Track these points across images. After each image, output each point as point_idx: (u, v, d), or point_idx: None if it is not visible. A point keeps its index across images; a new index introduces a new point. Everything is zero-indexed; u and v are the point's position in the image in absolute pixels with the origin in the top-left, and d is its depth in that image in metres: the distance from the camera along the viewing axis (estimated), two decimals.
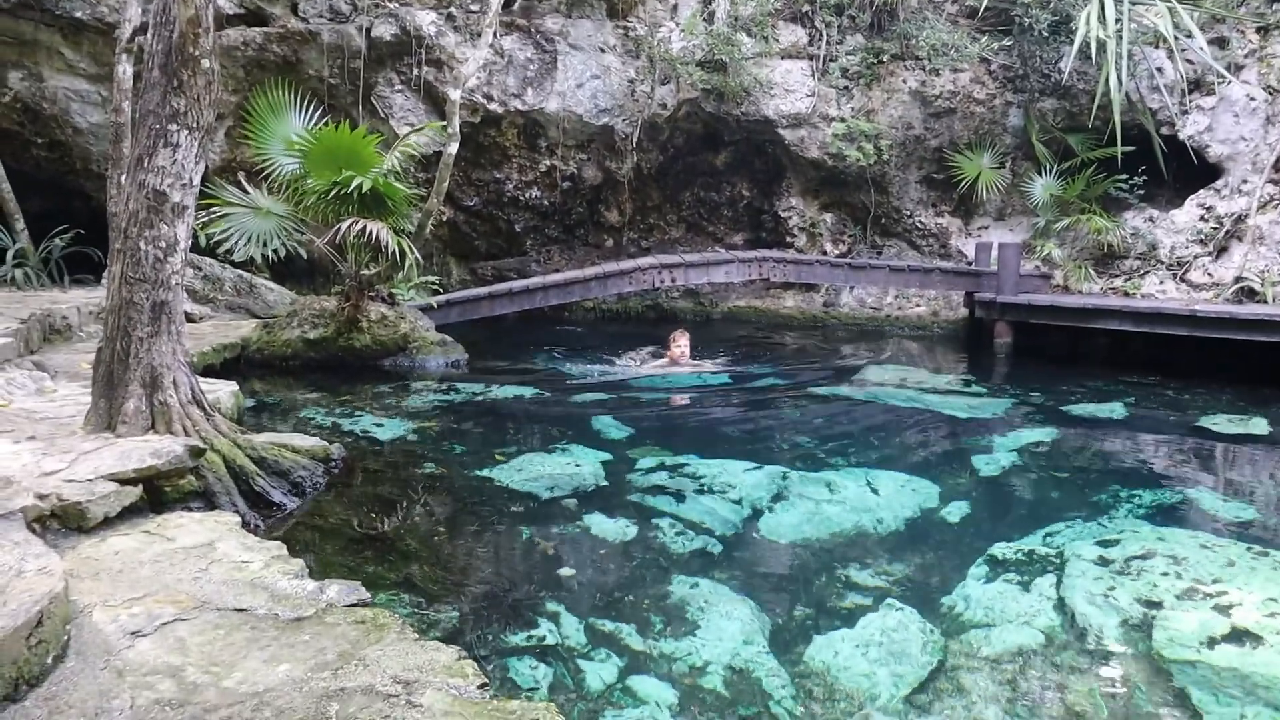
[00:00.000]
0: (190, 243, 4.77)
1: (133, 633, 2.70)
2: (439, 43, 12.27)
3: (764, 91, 12.82)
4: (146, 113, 4.48)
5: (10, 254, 10.52)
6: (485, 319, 10.61)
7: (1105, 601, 3.72)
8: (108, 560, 3.26)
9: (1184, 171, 12.30)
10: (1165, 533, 4.56)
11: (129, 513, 3.70)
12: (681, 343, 9.21)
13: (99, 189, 11.29)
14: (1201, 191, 12.25)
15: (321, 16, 12.21)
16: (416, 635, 2.78)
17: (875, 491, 5.10)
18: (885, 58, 13.03)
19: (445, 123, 10.15)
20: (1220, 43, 12.37)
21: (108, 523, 3.58)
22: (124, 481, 3.75)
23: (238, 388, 6.07)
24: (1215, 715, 2.92)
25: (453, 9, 12.37)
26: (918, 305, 13.44)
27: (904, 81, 13.05)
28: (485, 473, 5.30)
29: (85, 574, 3.12)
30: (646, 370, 9.11)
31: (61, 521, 3.46)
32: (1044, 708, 3.01)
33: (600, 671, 3.11)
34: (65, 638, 2.60)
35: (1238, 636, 3.40)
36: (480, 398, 7.60)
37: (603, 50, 12.90)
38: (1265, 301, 11.01)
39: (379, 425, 6.38)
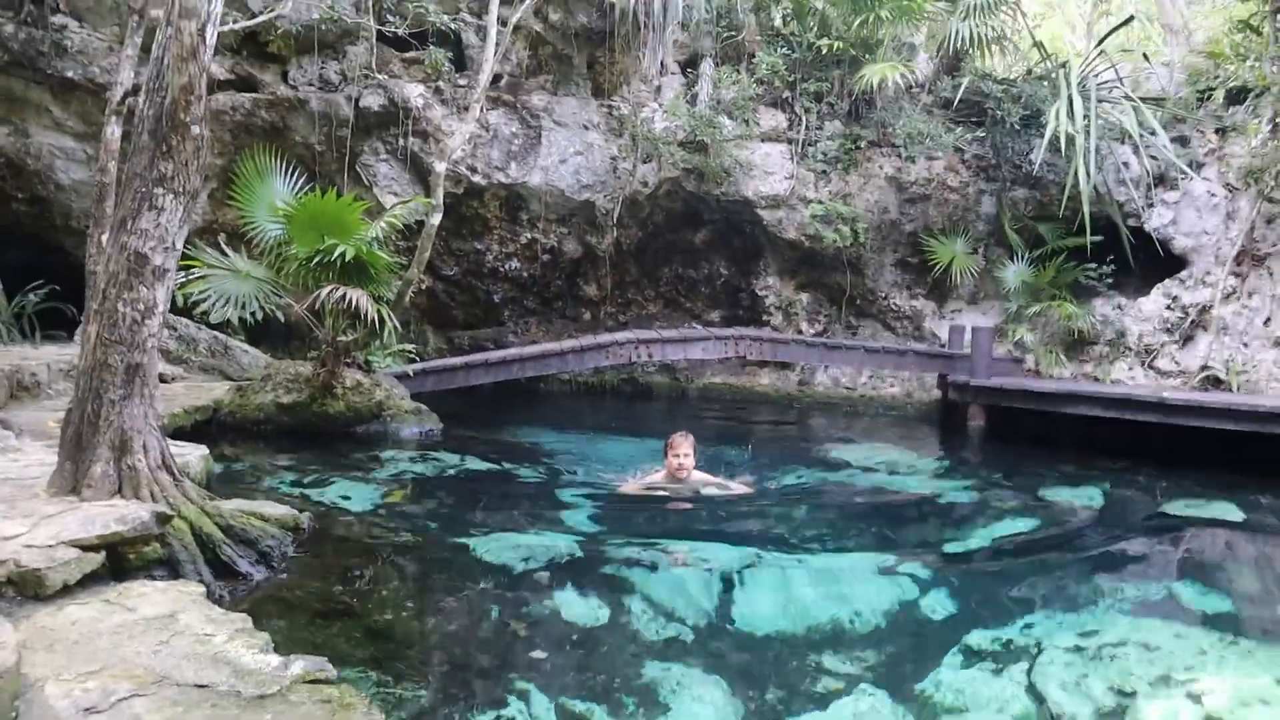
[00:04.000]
0: (169, 305, 4.75)
1: (86, 709, 2.60)
2: (426, 115, 12.46)
3: (744, 172, 13.09)
4: (133, 175, 4.49)
5: None
6: (461, 389, 10.56)
7: (1078, 689, 3.69)
8: (64, 630, 3.15)
9: (1150, 261, 12.63)
10: (1140, 623, 4.55)
11: (90, 580, 3.59)
12: (683, 451, 6.75)
13: (77, 245, 11.25)
14: (1167, 281, 12.57)
15: (311, 85, 12.39)
16: (384, 715, 2.70)
17: (848, 578, 5.05)
18: (863, 144, 13.39)
19: (431, 196, 10.25)
20: (1182, 141, 12.84)
21: (67, 590, 3.46)
22: (86, 548, 3.65)
23: (208, 452, 5.96)
24: None
25: (440, 83, 12.60)
26: (892, 386, 13.56)
27: (880, 167, 13.39)
28: (456, 547, 5.20)
29: (39, 645, 3.01)
30: (632, 489, 6.88)
31: (18, 588, 3.35)
32: None
33: None
34: (14, 715, 2.50)
35: None
36: (454, 469, 7.52)
37: (586, 128, 13.16)
38: (1230, 389, 11.22)
39: (350, 494, 6.28)
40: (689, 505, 6.47)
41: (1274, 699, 3.53)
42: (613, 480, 7.22)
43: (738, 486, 6.92)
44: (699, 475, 6.86)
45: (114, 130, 8.05)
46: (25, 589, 3.36)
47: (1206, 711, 3.46)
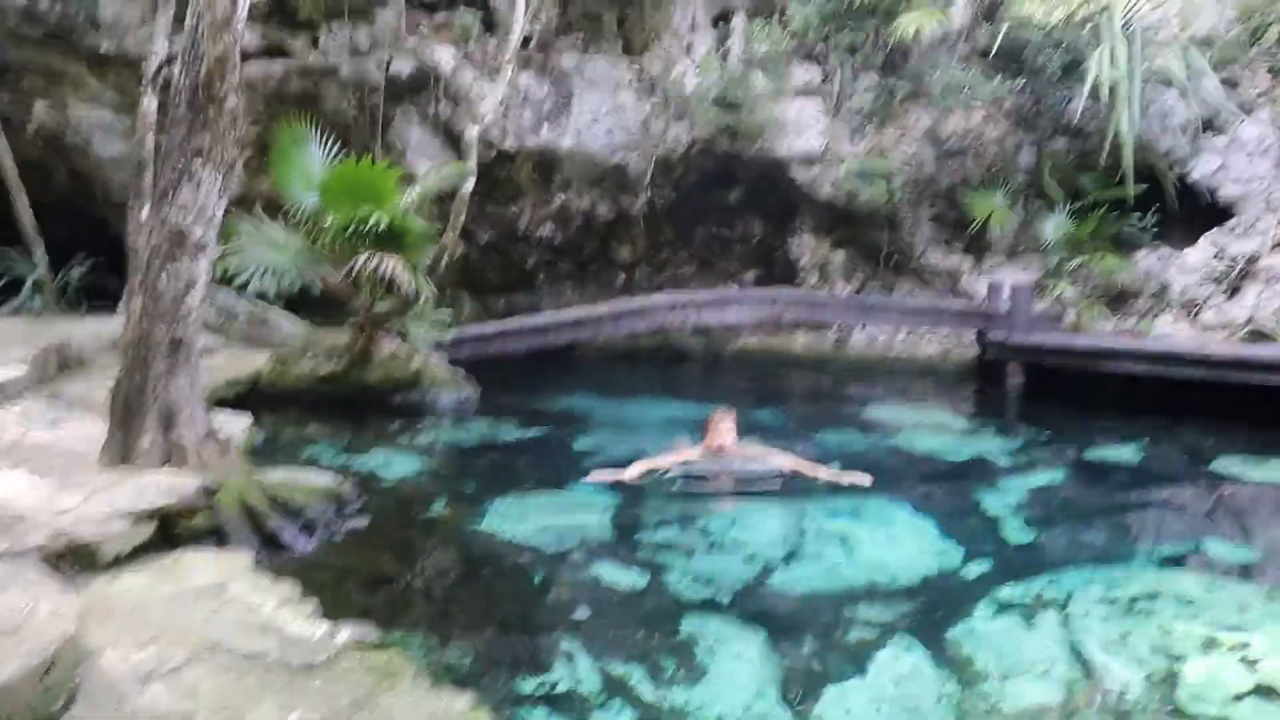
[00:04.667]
0: (210, 278, 4.81)
1: (143, 676, 2.69)
2: (456, 79, 12.40)
3: (777, 130, 12.90)
4: (171, 148, 4.53)
5: (29, 282, 10.61)
6: (496, 355, 10.61)
7: (1120, 648, 3.67)
8: (120, 600, 3.25)
9: (1196, 211, 12.29)
10: (1177, 577, 4.51)
11: (141, 550, 3.70)
12: (724, 427, 6.36)
13: (118, 218, 11.40)
14: (1214, 231, 12.23)
15: (341, 51, 12.37)
16: (430, 681, 2.75)
17: (885, 534, 5.06)
18: (898, 97, 13.12)
19: (464, 161, 10.23)
20: (1231, 83, 12.41)
21: (120, 561, 3.57)
22: (138, 519, 3.75)
23: (250, 422, 6.08)
24: None
25: (470, 45, 12.52)
26: (929, 344, 13.40)
27: (917, 121, 13.12)
28: (496, 513, 5.27)
29: (97, 614, 3.10)
30: (668, 461, 6.32)
31: (75, 559, 3.45)
32: None
33: (614, 718, 3.06)
34: (75, 681, 2.59)
35: (1263, 692, 3.33)
36: (491, 436, 7.58)
37: (618, 87, 13.02)
38: (1277, 342, 10.95)
39: (390, 462, 6.37)
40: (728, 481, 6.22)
41: None
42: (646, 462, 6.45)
43: (780, 456, 6.49)
44: (740, 449, 6.45)
45: (150, 102, 8.12)
46: (82, 560, 3.47)
47: (1259, 679, 3.41)
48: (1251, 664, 3.54)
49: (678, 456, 6.37)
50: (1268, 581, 4.57)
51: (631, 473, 5.98)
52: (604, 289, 14.22)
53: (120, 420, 4.52)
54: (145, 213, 5.42)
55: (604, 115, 12.89)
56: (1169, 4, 12.84)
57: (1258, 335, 11.32)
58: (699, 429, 6.47)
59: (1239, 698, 3.29)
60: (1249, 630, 3.80)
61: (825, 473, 6.11)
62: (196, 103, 4.45)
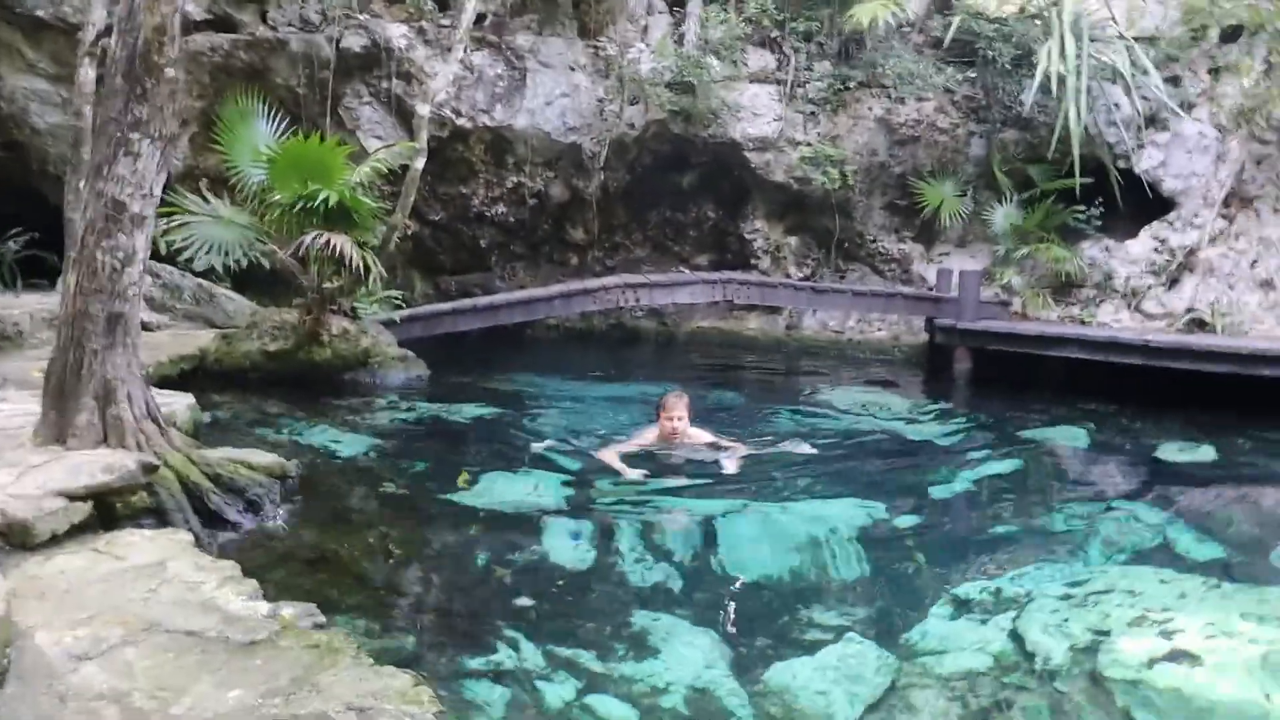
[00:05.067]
0: (149, 252, 4.70)
1: (78, 656, 2.63)
2: (409, 56, 12.22)
3: (731, 114, 12.92)
4: (107, 120, 4.40)
5: None
6: (448, 335, 10.53)
7: (1058, 630, 3.76)
8: (54, 580, 3.18)
9: (1139, 204, 12.58)
10: (1126, 568, 4.62)
11: (77, 530, 3.61)
12: (676, 414, 6.22)
13: (56, 191, 11.07)
14: (1155, 223, 12.54)
15: (291, 25, 12.11)
16: (372, 660, 2.74)
17: (835, 525, 5.09)
18: (852, 85, 13.21)
19: (415, 140, 10.10)
20: (1174, 81, 12.70)
21: (55, 540, 3.49)
22: (73, 498, 3.66)
23: (194, 401, 5.95)
24: None
25: (423, 23, 12.34)
26: (879, 329, 13.57)
27: (869, 109, 13.23)
28: (444, 493, 5.25)
29: (30, 594, 3.03)
30: (612, 455, 6.11)
31: (6, 539, 3.36)
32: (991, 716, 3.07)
33: (559, 692, 3.08)
34: (6, 661, 2.53)
35: (1177, 657, 3.45)
36: (441, 415, 7.54)
37: (573, 69, 12.94)
38: (1215, 332, 11.28)
39: (338, 442, 6.30)
40: (679, 463, 6.19)
41: (1240, 632, 3.61)
42: (597, 446, 6.50)
43: (732, 444, 6.49)
44: (694, 433, 6.43)
45: (88, 73, 7.89)
46: (14, 539, 3.38)
47: (1175, 645, 3.53)
48: (1170, 635, 3.65)
49: (635, 442, 6.36)
50: (1199, 562, 4.72)
51: (614, 451, 6.06)
52: (557, 270, 14.16)
53: (55, 398, 4.40)
54: (83, 186, 5.27)
55: (558, 96, 12.80)
56: (1115, 2, 13.07)
57: (1196, 324, 11.65)
58: (654, 409, 6.47)
59: (1154, 662, 3.39)
60: (1179, 611, 3.92)
61: (770, 450, 6.19)
62: (134, 74, 4.32)
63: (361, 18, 12.15)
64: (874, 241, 13.83)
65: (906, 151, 13.37)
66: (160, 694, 2.45)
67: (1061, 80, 11.70)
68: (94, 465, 3.92)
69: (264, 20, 12.16)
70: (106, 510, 3.84)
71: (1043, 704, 3.22)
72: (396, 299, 10.20)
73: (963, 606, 4.08)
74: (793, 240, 14.02)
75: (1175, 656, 3.45)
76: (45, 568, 3.27)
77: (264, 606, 3.04)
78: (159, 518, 4.02)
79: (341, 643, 2.81)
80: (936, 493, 5.93)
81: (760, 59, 13.38)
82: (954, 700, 3.23)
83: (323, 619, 3.02)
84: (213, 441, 5.28)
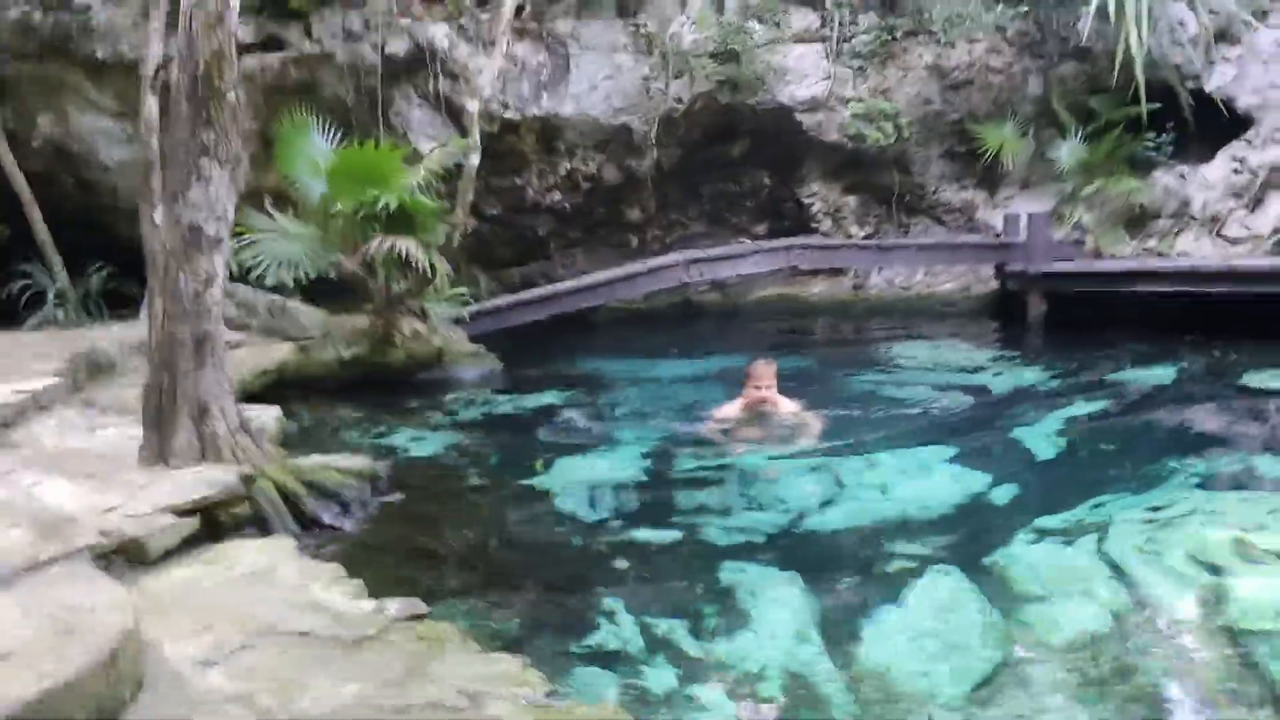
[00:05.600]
0: (227, 272, 4.85)
1: (202, 662, 2.76)
2: (452, 55, 12.33)
3: (778, 78, 12.75)
4: (176, 147, 4.55)
5: (51, 294, 10.73)
6: (515, 326, 10.67)
7: (1161, 566, 3.67)
8: (171, 592, 3.33)
9: (1213, 125, 12.05)
10: (1216, 496, 4.50)
11: (187, 543, 3.77)
12: (765, 382, 5.97)
13: (128, 223, 11.43)
14: (1233, 143, 12.01)
15: (335, 37, 12.31)
16: (479, 647, 2.81)
17: (920, 472, 5.07)
18: (898, 34, 12.91)
19: (467, 137, 10.21)
20: None
21: (168, 555, 3.65)
22: (181, 513, 3.83)
23: (280, 412, 6.15)
24: None
25: (463, 20, 12.43)
26: (947, 281, 13.29)
27: (919, 57, 12.92)
28: (527, 481, 5.33)
29: (151, 608, 3.18)
30: (705, 430, 6.10)
31: (124, 556, 3.53)
32: (1113, 687, 2.94)
33: (660, 678, 3.10)
34: (139, 672, 2.67)
35: None
36: (516, 406, 7.65)
37: (615, 50, 12.90)
38: None
39: (420, 440, 6.45)
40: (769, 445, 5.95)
41: None
42: (685, 426, 6.44)
43: (813, 418, 6.21)
44: (782, 402, 6.17)
45: (151, 105, 8.11)
46: (131, 556, 3.54)
47: None
48: None
49: (722, 414, 6.20)
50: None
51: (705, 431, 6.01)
52: (616, 252, 14.18)
53: (154, 420, 4.59)
54: (158, 214, 5.46)
55: (602, 79, 12.79)
56: None
57: None
58: (737, 380, 6.27)
59: None
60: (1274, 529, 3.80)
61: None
62: (197, 100, 4.45)
63: (403, 22, 12.28)
64: (935, 193, 13.53)
65: (961, 97, 13.03)
66: (283, 693, 2.56)
67: (1120, 3, 11.25)
68: (197, 481, 4.08)
69: (309, 35, 12.38)
70: (212, 523, 4.01)
71: (1167, 665, 3.03)
72: (464, 296, 10.36)
73: (1046, 535, 4.02)
74: (851, 200, 13.80)
75: None
76: (162, 581, 3.43)
77: (369, 603, 3.14)
78: (261, 526, 4.17)
79: (447, 632, 2.90)
80: (1019, 437, 5.82)
81: (802, 18, 13.16)
82: (1071, 672, 3.02)
83: (426, 611, 3.10)
84: (301, 450, 5.44)
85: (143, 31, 9.21)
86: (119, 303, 11.14)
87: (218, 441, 4.50)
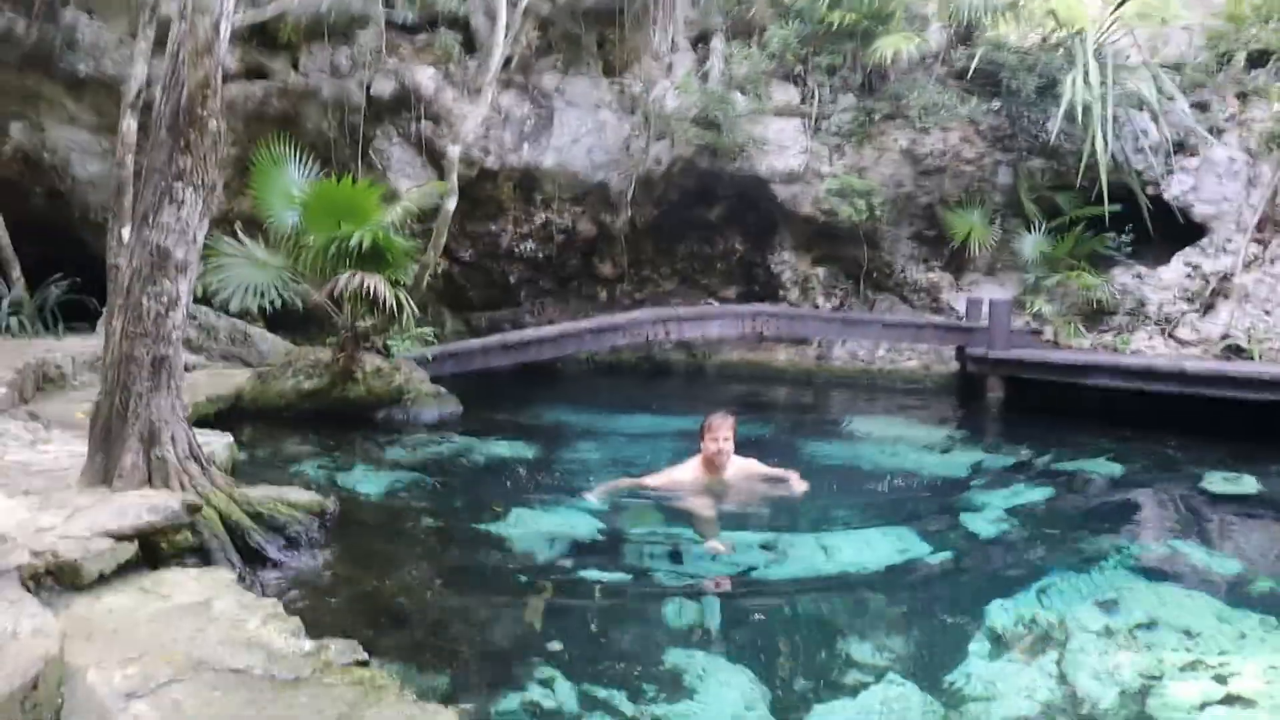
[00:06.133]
0: (191, 297, 4.81)
1: (128, 694, 2.67)
2: (437, 98, 12.47)
3: (758, 148, 13.03)
4: (152, 170, 4.53)
5: (6, 302, 10.54)
6: (479, 371, 10.63)
7: (1101, 669, 3.68)
8: (103, 619, 3.23)
9: (1170, 230, 12.50)
10: (1160, 592, 4.54)
11: (124, 569, 3.67)
12: (722, 435, 5.85)
13: (96, 237, 11.37)
14: (1188, 249, 12.44)
15: (322, 72, 12.41)
16: (415, 697, 2.75)
17: (870, 558, 5.06)
18: (876, 117, 13.29)
19: (445, 180, 10.29)
20: (1202, 106, 12.67)
21: (103, 580, 3.54)
22: (120, 538, 3.73)
23: (232, 439, 6.05)
24: None
25: (451, 66, 12.59)
26: (909, 359, 13.52)
27: (895, 140, 13.29)
28: (481, 528, 5.28)
29: (80, 634, 3.08)
30: (656, 483, 5.94)
31: (56, 579, 3.42)
32: None
33: None
34: (59, 701, 2.58)
35: (1231, 701, 3.36)
36: (475, 451, 7.59)
37: (598, 107, 13.13)
38: (1252, 358, 11.12)
39: (374, 478, 6.36)
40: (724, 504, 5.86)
41: None
42: (635, 476, 6.25)
43: (786, 475, 6.20)
44: (741, 463, 6.06)
45: (130, 124, 8.12)
46: (64, 579, 3.43)
47: (1229, 690, 3.44)
48: (1225, 679, 3.57)
49: (674, 475, 6.02)
50: (1249, 597, 4.62)
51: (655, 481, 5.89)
52: (586, 305, 14.28)
53: (101, 440, 4.50)
54: (126, 233, 5.42)
55: (585, 134, 12.99)
56: (1138, 30, 13.08)
57: (1233, 351, 11.50)
58: (695, 436, 6.21)
59: (1205, 706, 3.31)
60: (1235, 653, 3.83)
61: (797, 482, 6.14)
62: (178, 127, 4.45)
63: (391, 63, 12.42)
64: (902, 271, 13.82)
65: (933, 182, 13.40)
66: None
67: (1087, 108, 11.70)
68: (140, 506, 3.99)
69: (295, 68, 12.47)
70: (152, 550, 3.90)
71: None
72: (428, 336, 10.33)
73: (1001, 643, 4.01)
74: (821, 271, 14.05)
75: (1229, 700, 3.37)
76: (94, 607, 3.33)
77: (307, 644, 3.07)
78: (202, 556, 4.08)
79: (385, 679, 2.84)
80: (970, 523, 5.86)
81: (785, 93, 13.51)
82: None
83: (365, 655, 3.04)
84: (251, 480, 5.35)
85: (127, 51, 9.24)
86: (78, 315, 10.97)
87: (165, 466, 4.41)
